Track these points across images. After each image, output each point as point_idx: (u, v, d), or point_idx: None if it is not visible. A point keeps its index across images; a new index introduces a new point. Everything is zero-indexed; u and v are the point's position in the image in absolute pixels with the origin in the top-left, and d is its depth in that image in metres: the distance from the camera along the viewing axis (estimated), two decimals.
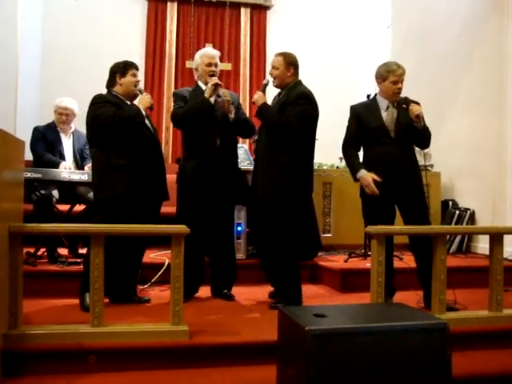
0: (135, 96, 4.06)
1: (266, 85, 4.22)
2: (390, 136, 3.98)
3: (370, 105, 4.13)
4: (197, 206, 4.13)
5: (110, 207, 3.75)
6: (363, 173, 3.96)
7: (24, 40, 7.45)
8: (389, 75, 3.98)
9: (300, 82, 4.12)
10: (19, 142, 3.31)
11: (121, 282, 3.91)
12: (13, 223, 2.99)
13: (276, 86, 4.16)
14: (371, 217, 3.95)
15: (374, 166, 3.97)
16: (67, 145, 5.16)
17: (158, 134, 4.60)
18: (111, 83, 4.00)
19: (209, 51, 4.38)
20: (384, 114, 4.03)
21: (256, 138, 4.44)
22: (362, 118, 4.07)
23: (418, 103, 3.99)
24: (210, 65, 4.24)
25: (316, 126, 4.12)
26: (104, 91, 4.01)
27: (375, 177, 3.90)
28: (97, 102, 3.86)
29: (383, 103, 4.06)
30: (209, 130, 4.13)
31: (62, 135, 5.15)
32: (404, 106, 3.97)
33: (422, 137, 3.99)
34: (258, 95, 4.09)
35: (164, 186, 4.04)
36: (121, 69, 3.97)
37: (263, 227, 4.09)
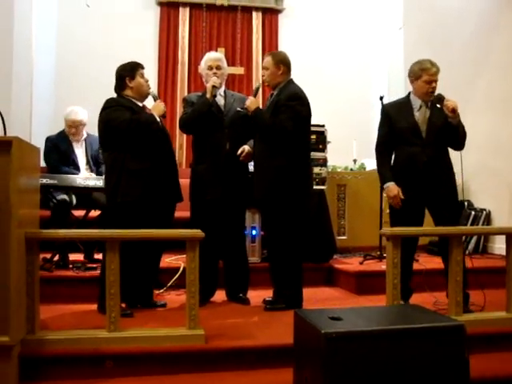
0: (147, 96, 4.05)
1: (257, 88, 4.27)
2: (421, 137, 3.89)
3: (403, 104, 4.03)
4: (208, 210, 4.14)
5: (126, 212, 3.76)
6: (391, 184, 3.93)
7: (38, 48, 7.51)
8: (422, 74, 3.87)
9: (291, 80, 4.12)
10: (35, 148, 3.34)
11: (137, 287, 3.92)
12: (29, 229, 3.02)
13: (268, 86, 4.19)
14: (399, 219, 3.91)
15: (403, 167, 3.93)
16: (80, 153, 5.17)
17: (172, 139, 4.62)
18: (121, 87, 3.97)
19: (210, 55, 4.40)
20: (416, 114, 3.93)
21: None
22: (393, 118, 3.98)
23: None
24: (210, 68, 4.27)
25: (309, 125, 4.14)
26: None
27: (401, 194, 3.88)
28: (110, 106, 3.85)
29: (416, 102, 3.96)
30: (218, 134, 4.15)
31: (74, 143, 5.16)
32: (438, 105, 3.84)
33: (458, 135, 3.86)
34: (249, 101, 4.07)
35: (177, 188, 4.05)
36: (129, 72, 3.94)
37: (265, 229, 4.11)
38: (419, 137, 3.90)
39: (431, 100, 3.92)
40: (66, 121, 5.15)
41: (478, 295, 3.86)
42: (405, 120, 3.93)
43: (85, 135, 5.21)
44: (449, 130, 3.84)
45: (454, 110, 3.75)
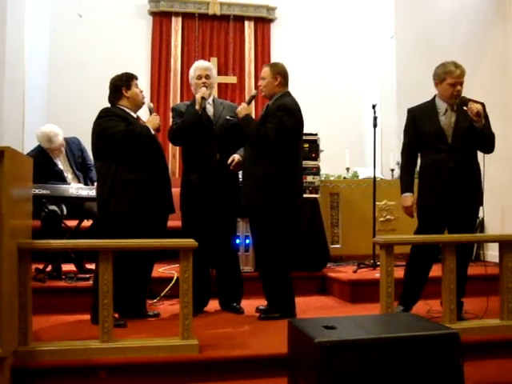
0: (141, 106, 4.07)
1: (253, 96, 4.28)
2: (447, 142, 3.78)
3: (428, 108, 3.90)
4: (199, 220, 4.13)
5: (118, 222, 3.75)
6: (408, 195, 3.91)
7: (30, 56, 7.52)
8: (446, 77, 3.75)
9: (288, 93, 4.06)
10: (27, 159, 3.34)
11: (130, 297, 3.90)
12: (21, 240, 3.00)
13: (264, 97, 4.15)
14: (424, 226, 3.87)
15: (429, 174, 3.86)
16: (62, 162, 5.06)
17: (165, 149, 4.60)
18: (116, 97, 3.96)
19: (199, 64, 4.39)
20: (442, 118, 3.82)
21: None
22: (418, 122, 3.88)
23: (480, 103, 3.74)
24: (200, 77, 4.26)
25: (298, 138, 4.06)
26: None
27: (414, 208, 3.89)
28: (105, 115, 3.85)
29: (442, 106, 3.84)
30: (208, 144, 4.14)
31: (55, 157, 5.00)
32: (464, 107, 3.70)
33: (484, 139, 3.72)
34: (241, 107, 4.08)
35: (170, 199, 4.04)
36: (125, 82, 3.95)
37: (251, 237, 4.09)
38: (445, 142, 3.79)
39: (457, 103, 3.82)
40: (42, 144, 4.93)
41: (475, 302, 3.86)
42: (430, 124, 3.82)
43: (64, 145, 5.04)
44: (475, 134, 3.73)
45: (479, 114, 3.65)
